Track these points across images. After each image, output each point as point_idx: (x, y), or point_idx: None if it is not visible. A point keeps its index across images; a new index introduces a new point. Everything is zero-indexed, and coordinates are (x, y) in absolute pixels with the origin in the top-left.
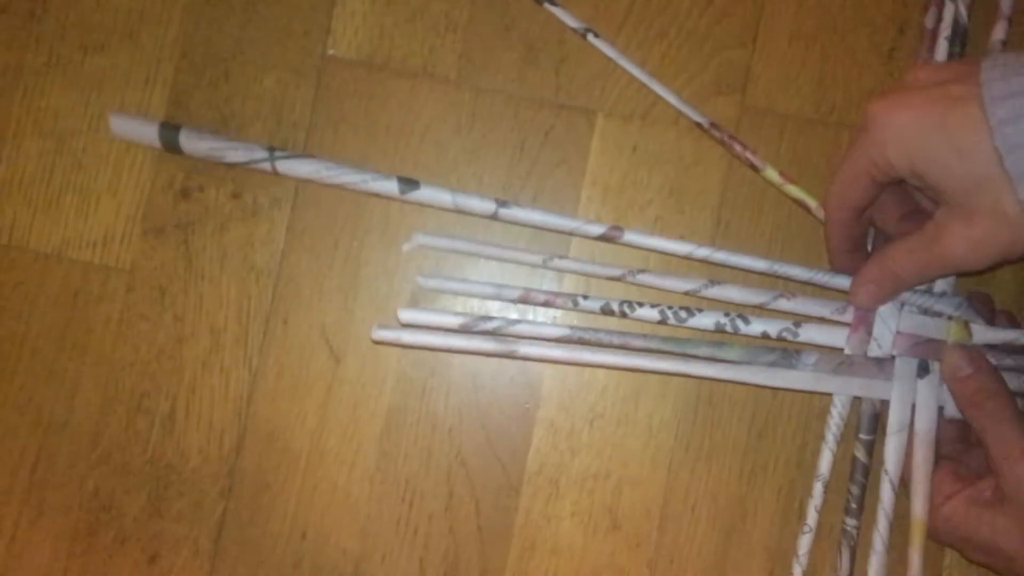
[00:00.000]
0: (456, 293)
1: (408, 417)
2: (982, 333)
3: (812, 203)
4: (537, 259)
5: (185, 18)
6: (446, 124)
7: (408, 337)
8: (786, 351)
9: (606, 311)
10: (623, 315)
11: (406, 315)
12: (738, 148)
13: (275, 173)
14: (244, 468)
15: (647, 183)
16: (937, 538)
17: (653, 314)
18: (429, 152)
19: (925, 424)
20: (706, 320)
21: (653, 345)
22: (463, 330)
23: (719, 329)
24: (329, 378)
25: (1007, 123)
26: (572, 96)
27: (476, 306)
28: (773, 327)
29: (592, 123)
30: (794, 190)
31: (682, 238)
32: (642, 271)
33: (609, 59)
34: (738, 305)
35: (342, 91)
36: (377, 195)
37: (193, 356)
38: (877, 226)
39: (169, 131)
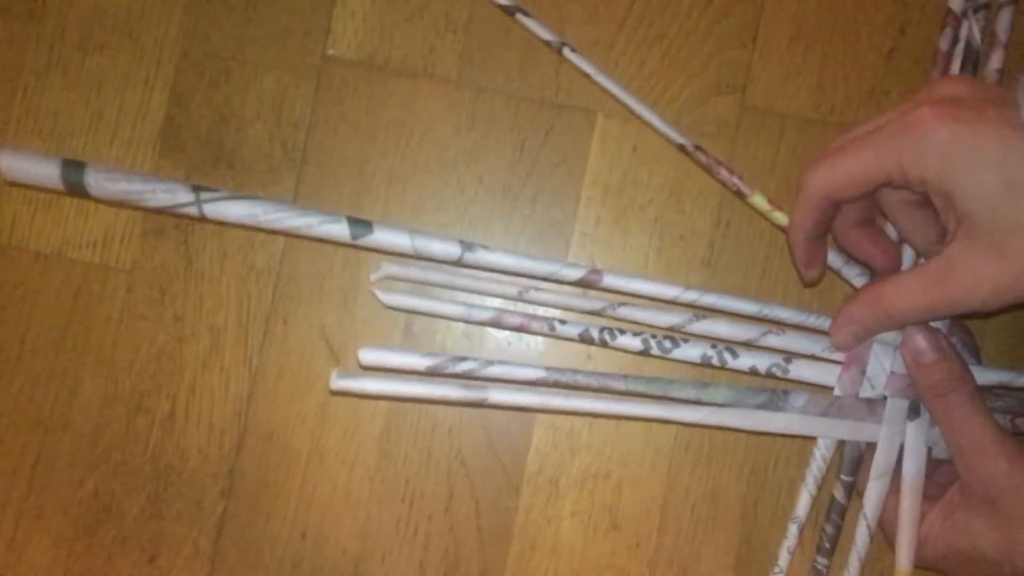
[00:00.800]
0: (420, 313)
1: (408, 417)
2: (979, 375)
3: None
4: (512, 290)
5: (185, 18)
6: (446, 124)
7: (371, 386)
8: (774, 393)
9: (585, 338)
10: (603, 343)
11: (368, 356)
12: (724, 173)
13: (202, 218)
14: (244, 468)
15: (647, 183)
16: (921, 564)
17: (635, 343)
18: (429, 152)
19: (913, 469)
20: (692, 352)
21: (635, 388)
22: (432, 372)
23: (705, 362)
24: (329, 378)
25: None
26: (572, 96)
27: (441, 334)
28: (762, 362)
29: (592, 123)
30: (781, 217)
31: (682, 238)
32: (623, 304)
33: (609, 59)
34: (725, 340)
35: (342, 91)
36: (326, 241)
37: (193, 356)
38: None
39: (72, 171)
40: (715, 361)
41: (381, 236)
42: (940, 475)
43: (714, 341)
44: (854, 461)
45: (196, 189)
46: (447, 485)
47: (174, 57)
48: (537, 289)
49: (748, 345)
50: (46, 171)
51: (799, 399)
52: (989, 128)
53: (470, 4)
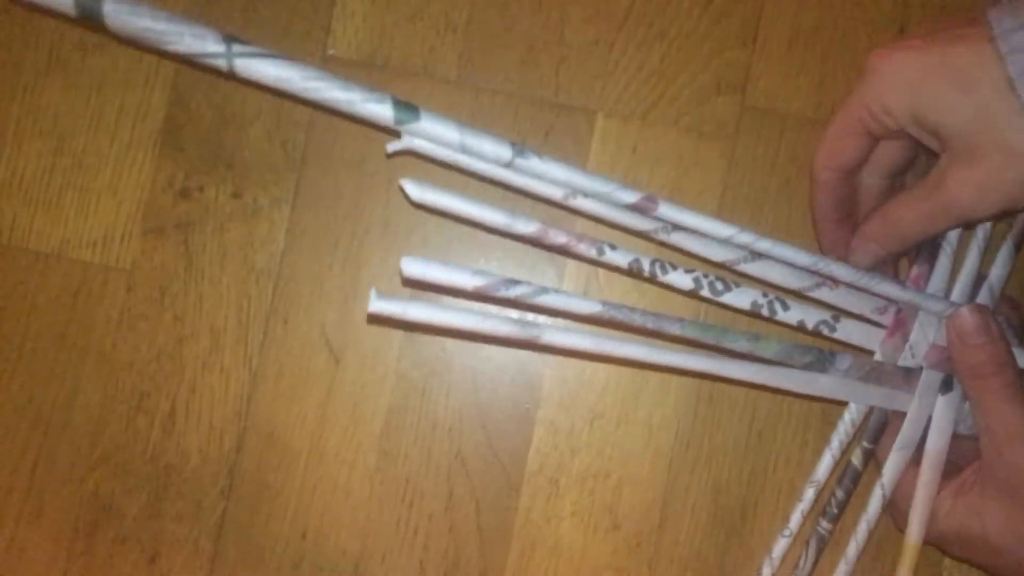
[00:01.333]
0: (453, 217)
1: (408, 417)
2: (1020, 357)
3: None
4: (558, 192)
5: (185, 18)
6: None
7: (413, 311)
8: (821, 352)
9: (634, 269)
10: (653, 277)
11: (412, 267)
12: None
13: (232, 74)
14: (244, 468)
15: (647, 183)
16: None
17: (686, 280)
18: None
19: (937, 444)
20: (743, 297)
21: (690, 333)
22: (482, 293)
23: (755, 310)
24: (329, 378)
25: (1020, 51)
26: (572, 96)
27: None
28: (811, 317)
29: (592, 123)
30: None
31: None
32: (677, 228)
33: (609, 59)
34: (776, 287)
35: None
36: (365, 123)
37: (193, 356)
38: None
39: None
40: (765, 311)
41: (428, 125)
42: (957, 452)
43: (766, 288)
44: (878, 428)
45: (229, 40)
46: (447, 485)
47: (174, 57)
48: (585, 196)
49: (799, 295)
50: None
51: (844, 361)
52: (934, 44)
53: (470, 4)
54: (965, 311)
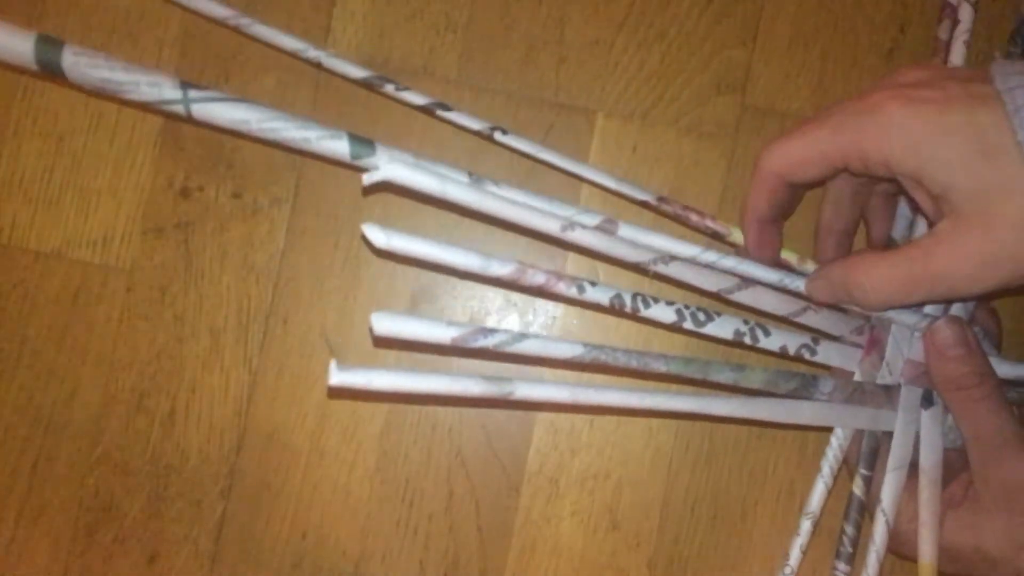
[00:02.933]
0: (422, 261)
1: (408, 417)
2: (997, 367)
3: (793, 257)
4: (555, 225)
5: (185, 18)
6: (446, 124)
7: (378, 380)
8: (805, 377)
9: (616, 305)
10: (635, 312)
11: (383, 323)
12: (695, 218)
13: (189, 119)
14: (244, 468)
15: (647, 183)
16: (903, 554)
17: (669, 313)
18: (429, 152)
19: (930, 460)
20: (726, 327)
21: (675, 369)
22: (459, 345)
23: (737, 338)
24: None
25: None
26: (572, 96)
27: (456, 307)
28: (792, 342)
29: (592, 123)
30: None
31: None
32: (675, 258)
33: (609, 59)
34: (758, 313)
35: (342, 91)
36: (324, 160)
37: (193, 356)
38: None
39: (48, 48)
40: (747, 339)
41: (384, 159)
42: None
43: (749, 316)
44: (873, 453)
45: (185, 86)
46: (447, 485)
47: (174, 57)
48: (583, 227)
49: (782, 321)
50: (18, 45)
51: (827, 384)
52: (954, 102)
53: (470, 4)
54: (941, 323)
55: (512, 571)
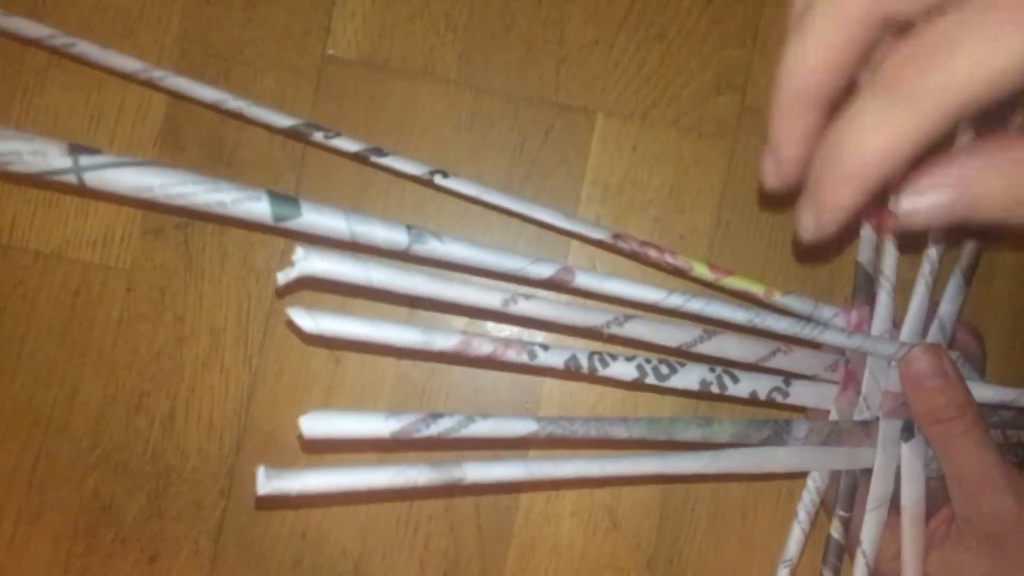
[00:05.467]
0: (354, 340)
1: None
2: (980, 391)
3: (760, 290)
4: (495, 299)
5: (185, 18)
6: (446, 124)
7: (313, 481)
8: (777, 423)
9: (572, 367)
10: (592, 372)
11: (313, 424)
12: (653, 255)
13: (82, 188)
14: (244, 468)
15: (647, 183)
16: None
17: (629, 370)
18: (429, 152)
19: (912, 497)
20: (691, 377)
21: (637, 432)
22: (400, 437)
23: (704, 388)
24: (329, 378)
25: None
26: (572, 96)
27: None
28: (763, 386)
29: (592, 123)
30: (733, 282)
31: (681, 238)
32: (630, 317)
33: (609, 59)
34: (727, 361)
35: (342, 91)
36: (245, 225)
37: (193, 356)
38: None
39: None
40: (715, 388)
41: (311, 218)
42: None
43: (714, 364)
44: (850, 493)
45: (75, 151)
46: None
47: (174, 57)
48: (527, 298)
49: (754, 367)
50: None
51: (801, 428)
52: None
53: (470, 4)
54: (917, 352)
55: (512, 571)
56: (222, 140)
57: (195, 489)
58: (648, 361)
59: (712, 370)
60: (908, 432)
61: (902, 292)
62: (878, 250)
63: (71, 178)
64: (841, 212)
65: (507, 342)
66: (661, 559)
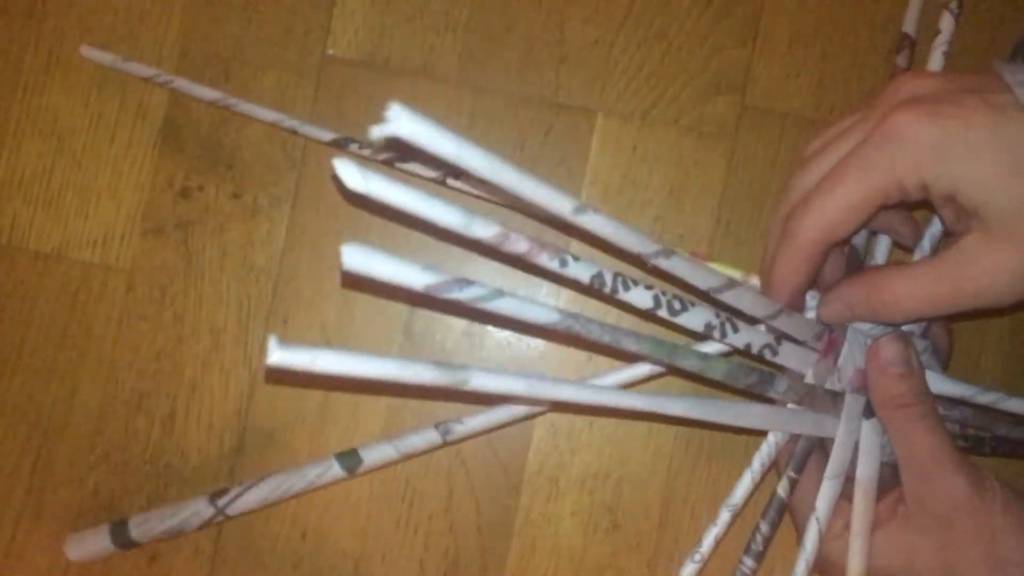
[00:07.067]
0: (402, 209)
1: (408, 417)
2: (938, 383)
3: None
4: (568, 206)
5: (185, 18)
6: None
7: (323, 361)
8: (763, 374)
9: (596, 284)
10: (613, 293)
11: (354, 258)
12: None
13: (227, 520)
14: (244, 468)
15: (647, 183)
16: (830, 573)
17: (647, 298)
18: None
19: (867, 472)
20: (698, 318)
21: (645, 350)
22: (431, 293)
23: (708, 331)
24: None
25: None
26: (572, 96)
27: (441, 334)
28: (757, 341)
29: (592, 123)
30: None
31: (681, 238)
32: (674, 253)
33: (609, 59)
34: (733, 312)
35: (342, 91)
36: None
37: (193, 356)
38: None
39: (119, 531)
40: (717, 333)
41: (371, 457)
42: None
43: (720, 310)
44: (805, 456)
45: (214, 499)
46: (447, 485)
47: (174, 57)
48: (595, 211)
49: (756, 321)
50: (100, 541)
51: (782, 384)
52: (977, 116)
53: (470, 4)
54: (886, 340)
55: (512, 571)
56: (222, 140)
57: (195, 489)
58: (664, 294)
59: (718, 315)
60: (870, 411)
61: None
62: (871, 239)
63: (220, 518)
64: (786, 292)
65: (541, 244)
66: (661, 559)
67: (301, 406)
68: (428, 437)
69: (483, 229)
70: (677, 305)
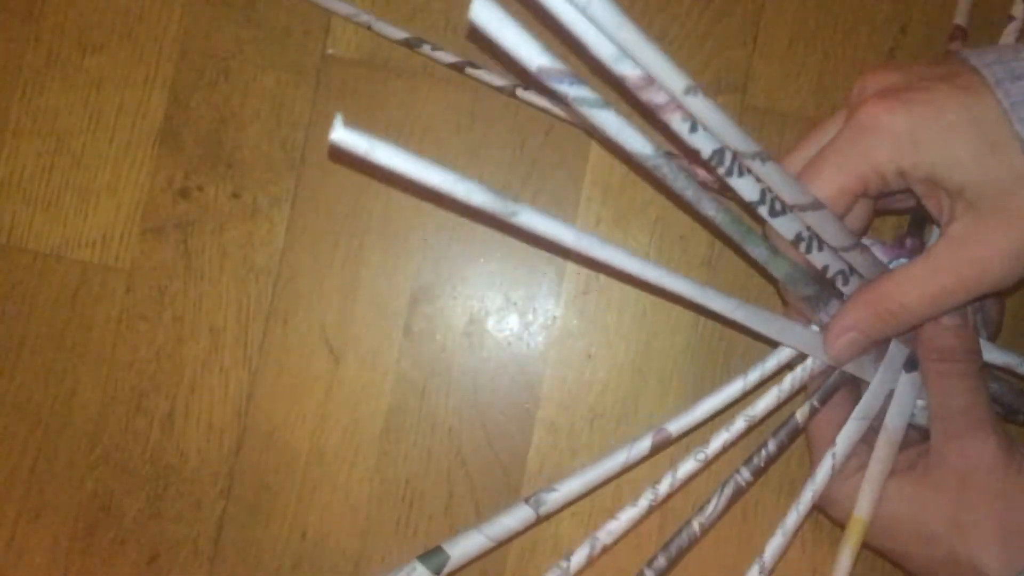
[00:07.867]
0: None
1: (408, 417)
2: (987, 352)
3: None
4: (680, 84)
5: (184, 18)
6: (446, 124)
7: (380, 153)
8: (820, 290)
9: (715, 161)
10: (728, 174)
11: (482, 10)
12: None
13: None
14: (244, 468)
15: (647, 183)
16: (832, 511)
17: (754, 190)
18: (429, 152)
19: (897, 422)
20: (792, 225)
21: (721, 220)
22: (540, 76)
23: (796, 241)
24: (329, 378)
25: (1021, 106)
26: None
27: (440, 334)
28: (834, 265)
29: None
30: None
31: (682, 238)
32: (769, 159)
33: None
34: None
35: (342, 91)
36: None
37: (193, 356)
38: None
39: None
40: (803, 246)
41: (457, 553)
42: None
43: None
44: (833, 389)
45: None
46: (447, 485)
47: (173, 56)
48: (705, 96)
49: (832, 249)
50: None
51: (833, 307)
52: (947, 100)
53: (470, 4)
54: None
55: (512, 571)
56: (221, 140)
57: (195, 489)
58: (770, 191)
59: (808, 228)
60: (912, 364)
61: None
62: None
63: None
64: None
65: (677, 104)
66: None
67: (301, 406)
68: (521, 515)
69: (630, 68)
70: (778, 206)
